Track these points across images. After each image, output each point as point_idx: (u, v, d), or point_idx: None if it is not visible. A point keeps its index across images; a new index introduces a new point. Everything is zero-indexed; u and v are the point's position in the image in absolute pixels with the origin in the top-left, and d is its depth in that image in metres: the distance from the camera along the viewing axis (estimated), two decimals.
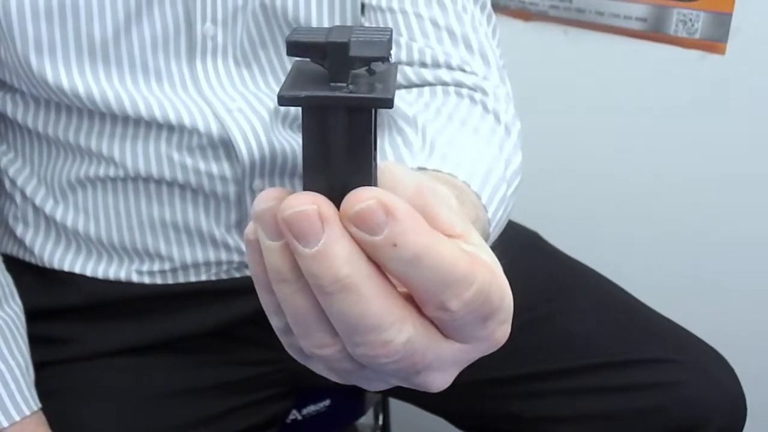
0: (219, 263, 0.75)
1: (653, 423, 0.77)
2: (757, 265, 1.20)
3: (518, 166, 0.63)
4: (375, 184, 0.34)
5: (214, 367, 0.77)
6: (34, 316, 0.75)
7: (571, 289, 0.82)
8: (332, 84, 0.33)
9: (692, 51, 1.16)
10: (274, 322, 0.38)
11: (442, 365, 0.37)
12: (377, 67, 0.34)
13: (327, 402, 0.94)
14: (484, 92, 0.68)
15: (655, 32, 1.18)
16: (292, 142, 0.73)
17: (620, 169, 1.27)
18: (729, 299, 1.23)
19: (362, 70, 0.34)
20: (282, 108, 0.72)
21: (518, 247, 0.83)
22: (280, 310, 0.36)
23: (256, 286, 0.37)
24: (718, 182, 1.20)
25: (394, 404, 1.10)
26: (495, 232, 0.56)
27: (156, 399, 0.74)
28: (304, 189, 0.34)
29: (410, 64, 0.70)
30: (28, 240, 0.77)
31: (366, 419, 1.16)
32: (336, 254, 0.32)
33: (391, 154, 0.63)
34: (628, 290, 0.85)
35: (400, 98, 0.64)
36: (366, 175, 0.34)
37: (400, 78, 0.69)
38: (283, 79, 0.69)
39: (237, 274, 0.77)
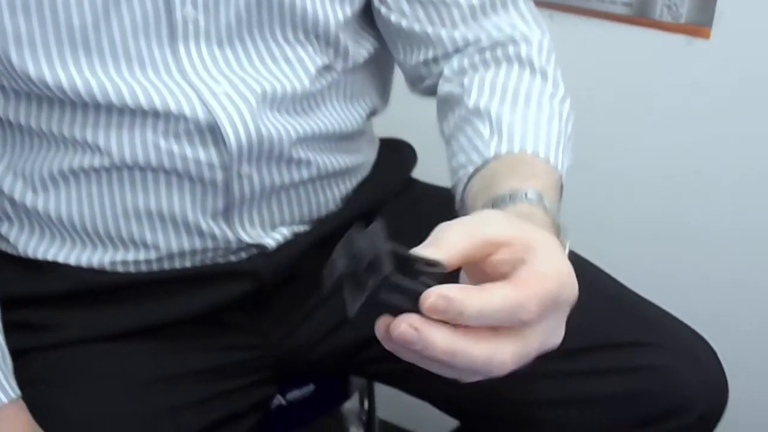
0: (205, 251, 0.75)
1: (637, 407, 0.77)
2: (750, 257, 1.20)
3: (569, 111, 0.74)
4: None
5: (199, 352, 0.77)
6: (16, 303, 0.74)
7: None
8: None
9: (677, 35, 1.16)
10: None
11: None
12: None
13: (311, 387, 0.94)
14: (529, 43, 0.75)
15: (640, 17, 1.17)
16: (279, 128, 0.73)
17: (603, 153, 1.27)
18: (715, 288, 1.24)
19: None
20: (269, 91, 0.72)
21: None
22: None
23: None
24: (704, 168, 1.21)
25: (379, 389, 1.10)
26: (563, 167, 0.69)
27: (139, 385, 0.73)
28: None
29: (456, 50, 0.77)
30: (8, 234, 0.76)
31: (351, 404, 1.16)
32: (433, 339, 0.47)
33: (467, 146, 0.71)
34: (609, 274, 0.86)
35: (468, 93, 0.74)
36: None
37: (464, 64, 0.76)
38: (270, 62, 0.69)
39: (221, 261, 0.76)
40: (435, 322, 0.47)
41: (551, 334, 0.52)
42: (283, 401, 0.92)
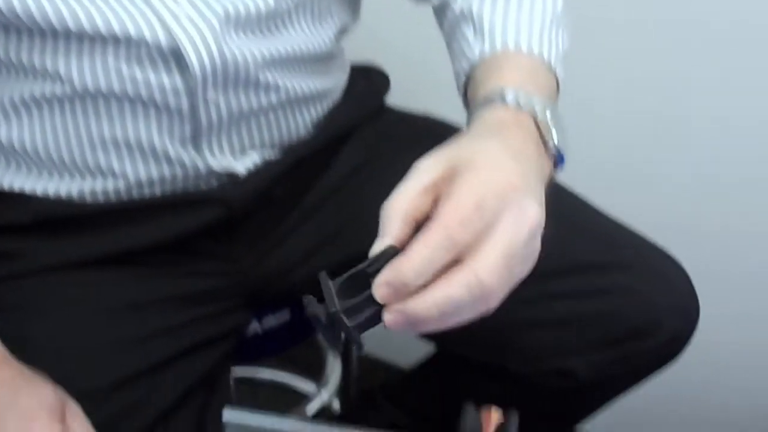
0: (174, 179, 0.74)
1: (607, 327, 0.78)
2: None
3: None
4: None
5: (169, 279, 0.77)
6: None
7: None
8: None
9: None
10: None
11: None
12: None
13: (287, 314, 0.94)
14: None
15: None
16: (244, 50, 0.71)
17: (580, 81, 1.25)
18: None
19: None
20: (232, 12, 0.70)
21: None
22: None
23: None
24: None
25: None
26: (556, 54, 0.69)
27: (110, 312, 0.74)
28: None
29: None
30: None
31: None
32: (416, 310, 0.50)
33: (458, 53, 0.72)
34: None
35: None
36: None
37: None
38: None
39: (191, 189, 0.76)
40: (410, 296, 0.49)
41: (512, 232, 0.51)
42: (259, 330, 0.92)
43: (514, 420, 0.52)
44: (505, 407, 0.55)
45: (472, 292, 0.49)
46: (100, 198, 0.74)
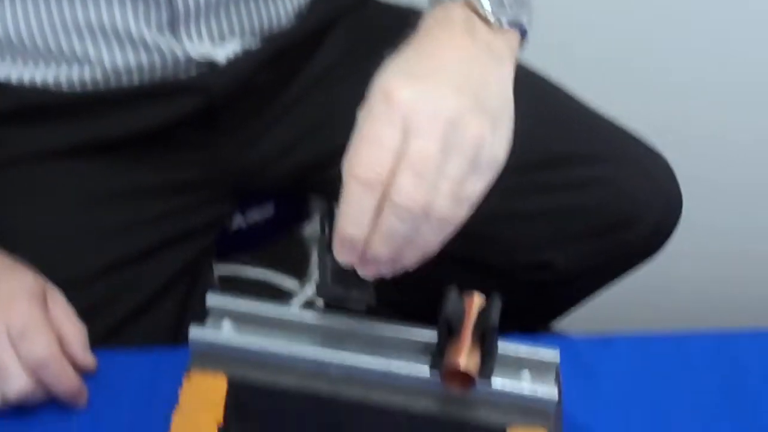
0: (152, 67, 0.73)
1: (587, 220, 0.78)
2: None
3: None
4: None
5: (150, 169, 0.76)
6: None
7: None
8: None
9: None
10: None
11: None
12: None
13: (271, 207, 0.94)
14: None
15: None
16: None
17: None
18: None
19: None
20: None
21: None
22: None
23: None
24: None
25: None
26: None
27: (92, 201, 0.73)
28: None
29: None
30: None
31: (312, 227, 1.17)
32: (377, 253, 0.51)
33: None
34: None
35: None
36: None
37: None
38: None
39: (170, 77, 0.74)
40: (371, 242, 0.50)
41: (415, 142, 0.49)
42: (243, 224, 0.92)
43: (497, 304, 0.52)
44: (487, 293, 0.55)
45: (401, 218, 0.48)
46: (77, 86, 0.72)
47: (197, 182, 0.79)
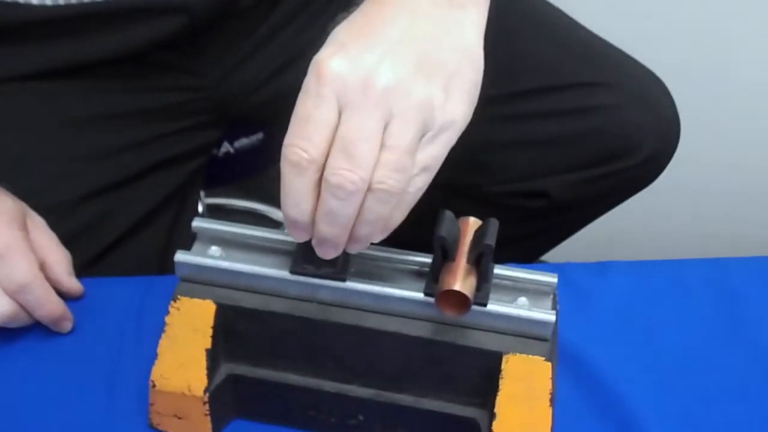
0: None
1: (584, 147, 0.77)
2: None
3: None
4: None
5: (132, 93, 0.73)
6: None
7: (504, 7, 0.78)
8: None
9: None
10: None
11: None
12: None
13: (260, 135, 0.92)
14: None
15: None
16: None
17: None
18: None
19: None
20: None
21: None
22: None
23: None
24: None
25: None
26: None
27: (71, 125, 0.71)
28: None
29: None
30: None
31: None
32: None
33: None
34: None
35: None
36: None
37: None
38: None
39: None
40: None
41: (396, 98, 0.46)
42: (231, 149, 0.91)
43: (494, 226, 0.50)
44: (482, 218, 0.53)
45: (339, 197, 0.45)
46: (48, 1, 0.68)
47: (182, 107, 0.76)
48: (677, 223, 1.34)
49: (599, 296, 0.67)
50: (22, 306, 0.58)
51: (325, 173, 0.45)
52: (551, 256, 0.97)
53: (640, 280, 0.69)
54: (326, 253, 0.49)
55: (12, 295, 0.58)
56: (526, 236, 0.86)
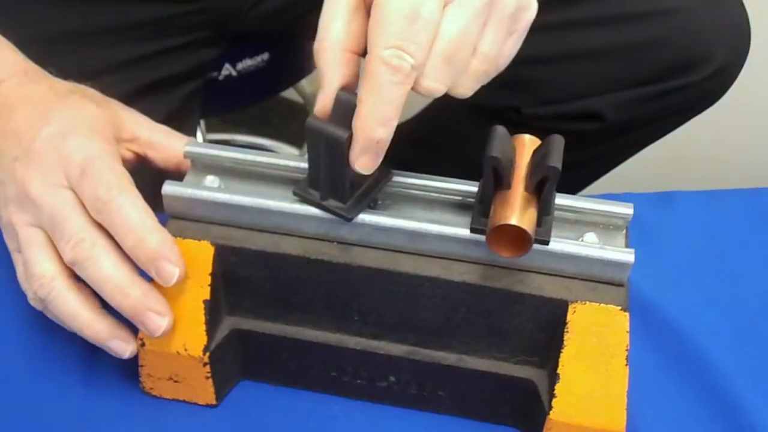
0: None
1: (650, 58, 0.70)
2: None
3: None
4: None
5: (117, 4, 0.65)
6: None
7: None
8: None
9: None
10: None
11: None
12: None
13: (265, 56, 0.85)
14: None
15: None
16: None
17: None
18: None
19: None
20: None
21: None
22: None
23: None
24: None
25: None
26: None
27: (57, 41, 0.63)
28: None
29: None
30: None
31: (312, 87, 1.07)
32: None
33: None
34: None
35: None
36: None
37: None
38: None
39: None
40: None
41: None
42: (233, 72, 0.83)
43: (559, 144, 0.41)
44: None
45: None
46: None
47: (176, 21, 0.69)
48: (742, 148, 1.24)
49: (667, 232, 0.61)
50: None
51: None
52: (594, 188, 0.88)
53: (713, 212, 0.62)
54: (371, 162, 0.43)
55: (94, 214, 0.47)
56: (572, 165, 0.78)
